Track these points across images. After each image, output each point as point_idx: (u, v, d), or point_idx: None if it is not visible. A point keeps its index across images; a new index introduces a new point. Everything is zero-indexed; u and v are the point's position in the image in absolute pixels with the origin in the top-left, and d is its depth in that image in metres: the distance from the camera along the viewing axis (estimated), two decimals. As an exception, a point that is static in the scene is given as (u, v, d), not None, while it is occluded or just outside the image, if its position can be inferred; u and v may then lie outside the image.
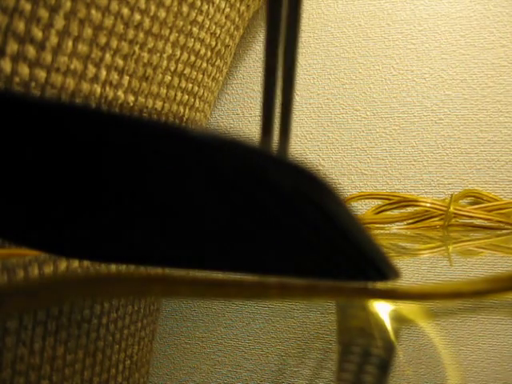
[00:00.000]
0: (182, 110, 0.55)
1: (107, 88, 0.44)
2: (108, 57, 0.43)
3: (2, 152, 0.15)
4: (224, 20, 0.55)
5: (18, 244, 0.32)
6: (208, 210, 0.17)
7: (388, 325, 0.18)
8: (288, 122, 0.22)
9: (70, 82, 0.40)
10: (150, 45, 0.47)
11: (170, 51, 0.50)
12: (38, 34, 0.37)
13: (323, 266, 0.19)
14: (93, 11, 0.40)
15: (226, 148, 0.13)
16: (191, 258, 0.21)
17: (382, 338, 0.16)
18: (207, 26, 0.53)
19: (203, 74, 0.56)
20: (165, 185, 0.16)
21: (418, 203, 0.54)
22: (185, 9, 0.49)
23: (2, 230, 0.21)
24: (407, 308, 0.19)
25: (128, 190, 0.17)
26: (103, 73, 0.43)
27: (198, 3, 0.50)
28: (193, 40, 0.52)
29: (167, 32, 0.48)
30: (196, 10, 0.50)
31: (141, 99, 0.48)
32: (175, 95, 0.53)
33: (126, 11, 0.43)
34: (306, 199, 0.15)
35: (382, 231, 0.52)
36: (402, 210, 0.55)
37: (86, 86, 0.42)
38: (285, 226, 0.17)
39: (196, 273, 0.23)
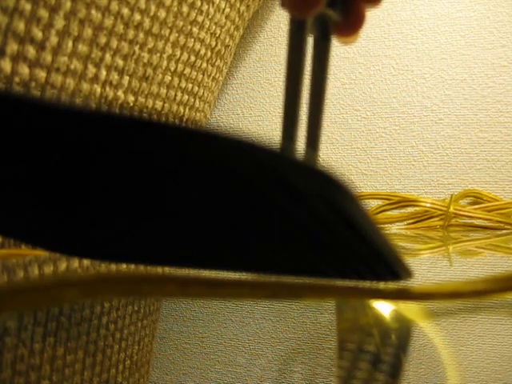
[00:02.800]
0: (182, 110, 0.55)
1: (107, 88, 0.44)
2: (108, 57, 0.43)
3: (18, 153, 0.15)
4: (224, 20, 0.55)
5: (29, 245, 0.32)
6: (224, 211, 0.17)
7: (397, 323, 0.18)
8: (317, 129, 0.23)
9: (70, 82, 0.40)
10: (150, 45, 0.47)
11: (170, 51, 0.50)
12: (37, 34, 0.37)
13: (336, 266, 0.19)
14: (93, 11, 0.40)
15: (243, 149, 0.13)
16: (206, 258, 0.21)
17: (391, 336, 0.16)
18: (207, 26, 0.53)
19: (203, 74, 0.56)
20: (183, 186, 0.16)
21: (418, 203, 0.54)
22: (185, 9, 0.49)
23: (14, 230, 0.21)
24: (408, 308, 0.19)
25: (144, 191, 0.17)
26: (103, 73, 0.43)
27: (198, 3, 0.50)
28: (193, 40, 0.52)
29: (167, 32, 0.48)
30: (196, 10, 0.50)
31: (141, 99, 0.48)
32: (175, 95, 0.53)
33: (126, 11, 0.43)
34: (321, 199, 0.15)
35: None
36: (402, 210, 0.55)
37: (85, 86, 0.42)
38: (299, 227, 0.17)
39: (207, 273, 0.23)
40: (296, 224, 0.17)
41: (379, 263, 0.18)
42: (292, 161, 0.14)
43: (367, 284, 0.20)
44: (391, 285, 0.20)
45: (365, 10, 0.23)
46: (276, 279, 0.21)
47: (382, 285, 0.20)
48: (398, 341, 0.16)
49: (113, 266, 0.26)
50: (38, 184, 0.17)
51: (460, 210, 0.52)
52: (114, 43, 0.43)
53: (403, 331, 0.17)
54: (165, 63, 0.50)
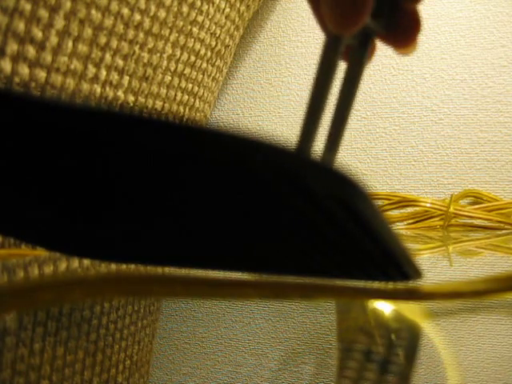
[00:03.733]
0: (182, 110, 0.55)
1: (107, 88, 0.44)
2: (108, 57, 0.43)
3: (19, 152, 0.15)
4: (224, 20, 0.55)
5: (30, 244, 0.32)
6: (235, 210, 0.17)
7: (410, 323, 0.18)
8: (339, 132, 0.23)
9: (70, 82, 0.40)
10: (150, 45, 0.47)
11: (170, 51, 0.50)
12: (37, 34, 0.37)
13: (346, 267, 0.19)
14: (93, 11, 0.40)
15: (258, 149, 0.13)
16: (212, 259, 0.21)
17: (391, 336, 0.16)
18: (207, 26, 0.53)
19: (203, 74, 0.56)
20: (195, 186, 0.16)
21: (418, 203, 0.54)
22: (185, 9, 0.49)
23: (15, 229, 0.21)
24: (408, 308, 0.19)
25: (151, 191, 0.17)
26: (103, 73, 0.43)
27: (198, 3, 0.50)
28: (193, 40, 0.52)
29: (167, 32, 0.48)
30: (196, 10, 0.50)
31: (141, 99, 0.48)
32: (175, 95, 0.53)
33: (126, 11, 0.43)
34: (335, 199, 0.15)
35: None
36: (402, 210, 0.55)
37: (86, 86, 0.42)
38: (312, 227, 0.17)
39: (214, 274, 0.23)
40: (308, 224, 0.17)
41: (390, 264, 0.18)
42: (306, 160, 0.13)
43: (367, 284, 0.20)
44: (391, 285, 0.20)
45: (417, 11, 0.21)
46: (277, 279, 0.21)
47: (381, 285, 0.20)
48: (406, 345, 0.16)
49: (113, 266, 0.26)
50: (39, 183, 0.17)
51: (460, 210, 0.52)
52: (114, 43, 0.43)
53: (412, 336, 0.17)
54: (165, 63, 0.50)
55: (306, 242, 0.18)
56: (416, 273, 0.19)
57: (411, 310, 0.19)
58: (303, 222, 0.17)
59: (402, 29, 0.22)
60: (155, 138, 0.13)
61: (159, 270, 0.25)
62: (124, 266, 0.25)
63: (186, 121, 0.12)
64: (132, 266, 0.25)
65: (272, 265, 0.20)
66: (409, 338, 0.16)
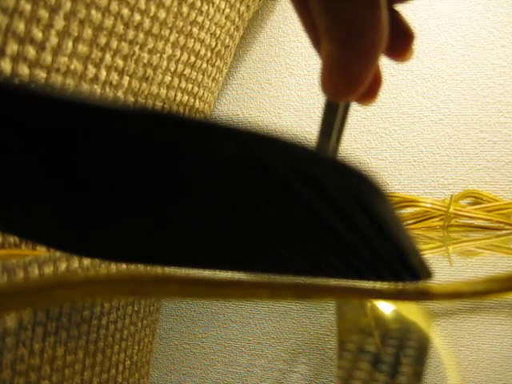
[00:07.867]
0: (181, 111, 0.55)
1: (107, 88, 0.44)
2: (108, 57, 0.43)
3: (25, 151, 0.15)
4: (224, 20, 0.55)
5: (30, 242, 0.31)
6: (246, 209, 0.17)
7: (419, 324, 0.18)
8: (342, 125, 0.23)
9: (70, 83, 0.40)
10: (150, 45, 0.47)
11: (170, 52, 0.50)
12: (37, 34, 0.37)
13: (356, 267, 0.19)
14: (93, 12, 0.40)
15: (271, 145, 0.13)
16: (221, 259, 0.20)
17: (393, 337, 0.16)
18: (207, 26, 0.53)
19: (203, 75, 0.56)
20: (203, 184, 0.16)
21: (418, 203, 0.54)
22: (185, 9, 0.49)
23: (16, 227, 0.21)
24: (408, 308, 0.19)
25: (158, 191, 0.17)
26: (103, 73, 0.43)
27: (198, 4, 0.50)
28: (193, 40, 0.52)
29: (167, 32, 0.48)
30: (196, 11, 0.50)
31: (141, 100, 0.48)
32: (175, 96, 0.53)
33: (126, 12, 0.43)
34: (351, 198, 0.15)
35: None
36: (401, 211, 0.55)
37: (86, 87, 0.42)
38: (325, 226, 0.17)
39: (213, 274, 0.23)
40: (322, 224, 0.17)
41: (401, 264, 0.18)
42: (320, 157, 0.13)
43: (373, 284, 0.20)
44: (391, 285, 0.20)
45: (407, 21, 0.22)
46: (281, 280, 0.21)
47: (381, 285, 0.20)
48: (415, 347, 0.16)
49: (113, 266, 0.26)
50: (40, 180, 0.17)
51: (460, 211, 0.52)
52: (114, 43, 0.43)
53: (420, 338, 0.17)
54: (165, 64, 0.50)
55: (318, 241, 0.18)
56: (427, 273, 0.19)
57: (412, 311, 0.19)
58: (316, 220, 0.16)
59: (397, 39, 0.22)
60: (166, 133, 0.13)
61: (159, 269, 0.25)
62: (124, 266, 0.25)
63: (195, 116, 0.12)
64: (132, 266, 0.25)
65: (282, 265, 0.20)
66: (417, 340, 0.16)
